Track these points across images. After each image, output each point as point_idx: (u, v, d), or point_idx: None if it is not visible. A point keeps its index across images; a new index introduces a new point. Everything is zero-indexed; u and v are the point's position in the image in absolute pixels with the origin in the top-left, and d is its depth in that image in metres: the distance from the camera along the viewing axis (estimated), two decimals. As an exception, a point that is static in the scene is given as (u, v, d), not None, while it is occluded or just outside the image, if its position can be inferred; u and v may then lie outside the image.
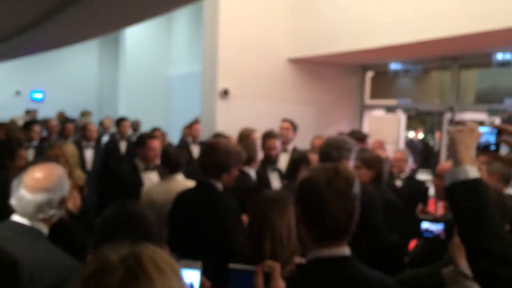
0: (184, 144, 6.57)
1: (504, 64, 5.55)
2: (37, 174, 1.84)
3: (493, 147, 1.46)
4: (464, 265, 1.56)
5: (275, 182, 3.98)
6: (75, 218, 2.94)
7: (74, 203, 3.08)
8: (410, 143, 10.37)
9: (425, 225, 1.83)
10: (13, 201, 1.82)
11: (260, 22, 6.87)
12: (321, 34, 6.53)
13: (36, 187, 1.80)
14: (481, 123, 1.48)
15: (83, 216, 2.99)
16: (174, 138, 9.18)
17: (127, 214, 1.50)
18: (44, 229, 1.85)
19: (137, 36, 12.34)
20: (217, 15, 6.68)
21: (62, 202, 1.90)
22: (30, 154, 5.55)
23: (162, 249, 0.91)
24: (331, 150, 3.02)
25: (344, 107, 7.61)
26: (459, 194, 1.32)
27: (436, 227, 1.79)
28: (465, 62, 6.17)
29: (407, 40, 5.31)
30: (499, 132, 1.44)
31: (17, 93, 14.72)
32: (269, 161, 4.16)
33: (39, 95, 15.12)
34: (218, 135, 5.10)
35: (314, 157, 3.92)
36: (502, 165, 3.22)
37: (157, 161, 3.74)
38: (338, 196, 1.41)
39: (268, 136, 4.21)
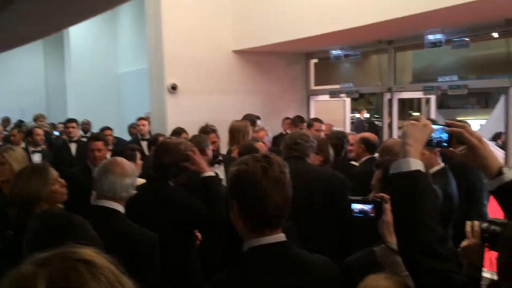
0: (135, 141, 6.60)
1: (435, 44, 5.87)
2: None
3: (445, 144, 1.50)
4: (393, 241, 1.57)
5: (222, 175, 4.06)
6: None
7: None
8: (359, 123, 10.79)
9: (356, 206, 1.77)
10: None
11: (204, 15, 6.94)
12: (263, 25, 6.68)
13: None
14: (434, 121, 1.57)
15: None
16: (127, 135, 9.14)
17: (55, 224, 1.48)
18: None
19: (82, 36, 12.08)
20: (159, 10, 6.70)
21: None
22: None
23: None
24: (293, 146, 3.13)
25: (291, 94, 7.83)
26: (397, 184, 1.35)
27: (368, 207, 1.75)
28: (400, 45, 6.49)
29: (346, 27, 5.56)
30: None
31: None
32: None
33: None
34: (176, 130, 5.15)
35: (261, 146, 4.06)
36: None
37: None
38: (274, 184, 1.42)
39: (204, 131, 4.27)
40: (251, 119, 5.68)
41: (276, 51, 7.39)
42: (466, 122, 1.81)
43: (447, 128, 1.50)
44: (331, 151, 3.59)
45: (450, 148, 1.51)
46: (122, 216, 2.34)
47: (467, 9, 4.76)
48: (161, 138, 4.33)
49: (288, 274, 1.42)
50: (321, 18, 5.82)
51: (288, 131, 6.08)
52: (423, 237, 1.27)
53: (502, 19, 5.09)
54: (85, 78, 12.17)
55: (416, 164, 1.35)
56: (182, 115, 6.54)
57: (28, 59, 14.41)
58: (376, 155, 4.01)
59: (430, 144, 1.51)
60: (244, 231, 1.47)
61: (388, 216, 1.61)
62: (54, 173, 2.46)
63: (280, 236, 1.47)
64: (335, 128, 6.36)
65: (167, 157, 2.74)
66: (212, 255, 2.95)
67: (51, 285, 0.77)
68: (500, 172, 1.41)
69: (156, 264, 2.25)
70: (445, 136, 1.50)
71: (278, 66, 7.71)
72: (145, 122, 6.60)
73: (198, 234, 2.95)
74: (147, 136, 6.47)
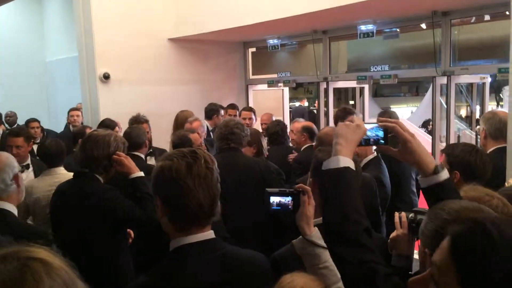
0: (67, 132, 6.30)
1: (368, 34, 6.04)
2: None
3: (382, 141, 1.53)
4: (313, 233, 1.58)
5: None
6: None
7: None
8: (299, 111, 10.93)
9: (274, 198, 1.64)
10: None
11: (138, 2, 6.69)
12: (201, 12, 6.55)
13: None
14: (368, 122, 1.54)
15: None
16: (58, 125, 8.71)
17: None
18: None
19: (6, 24, 11.29)
20: (88, -3, 6.36)
21: None
22: None
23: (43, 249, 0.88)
24: (229, 136, 3.11)
25: (229, 84, 7.77)
26: (326, 180, 1.39)
27: (286, 200, 1.65)
28: (334, 35, 6.62)
29: (281, 16, 5.57)
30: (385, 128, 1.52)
31: None
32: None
33: None
34: (105, 122, 4.97)
35: (195, 137, 3.99)
36: None
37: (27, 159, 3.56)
38: (200, 181, 1.39)
39: (136, 121, 4.17)
40: (215, 108, 5.56)
41: (214, 40, 7.28)
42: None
43: (380, 124, 1.53)
44: (264, 143, 3.60)
45: (387, 145, 1.54)
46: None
47: (397, 0, 4.93)
48: (87, 130, 4.14)
49: (212, 273, 1.39)
50: (257, 7, 5.80)
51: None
52: (347, 228, 1.30)
53: (430, 11, 5.30)
54: (12, 68, 11.40)
55: (345, 161, 1.38)
56: (115, 106, 6.29)
57: None
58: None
59: (368, 143, 1.55)
60: (170, 229, 1.43)
61: (306, 208, 1.60)
62: None
63: (208, 234, 1.43)
64: (275, 118, 6.40)
65: (96, 150, 2.62)
66: (145, 256, 2.87)
67: (7, 282, 0.79)
68: (435, 171, 1.42)
69: None
70: (381, 133, 1.53)
71: (216, 55, 7.62)
72: (78, 113, 6.30)
73: (131, 233, 2.86)
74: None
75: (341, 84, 7.00)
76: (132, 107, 5.69)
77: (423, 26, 5.82)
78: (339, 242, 1.31)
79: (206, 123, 5.54)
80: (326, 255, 1.53)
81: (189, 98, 6.99)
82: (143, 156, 3.82)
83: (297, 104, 12.12)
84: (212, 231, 1.45)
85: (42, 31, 11.73)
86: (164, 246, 1.47)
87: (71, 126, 6.35)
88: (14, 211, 2.21)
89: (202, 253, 1.40)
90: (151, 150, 3.95)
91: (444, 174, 1.43)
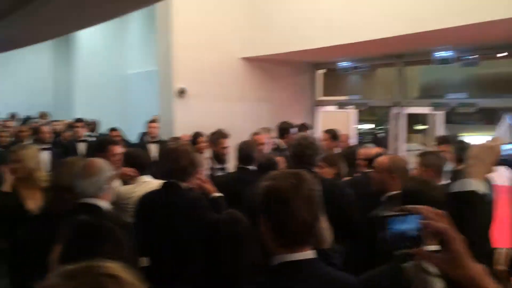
0: (142, 144, 6.63)
1: (445, 61, 5.93)
2: None
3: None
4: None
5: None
6: (37, 219, 3.00)
7: (36, 204, 3.13)
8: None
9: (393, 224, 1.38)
10: None
11: (214, 21, 6.99)
12: (272, 34, 6.72)
13: None
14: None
15: (44, 217, 3.04)
16: (132, 137, 9.18)
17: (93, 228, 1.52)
18: None
19: (90, 37, 12.18)
20: (170, 15, 6.75)
21: None
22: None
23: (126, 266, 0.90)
24: (304, 150, 3.07)
25: (297, 103, 7.87)
26: (453, 202, 1.43)
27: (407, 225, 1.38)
28: (409, 59, 6.54)
29: (354, 40, 5.60)
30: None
31: (-33, 93, 14.19)
32: (219, 160, 4.31)
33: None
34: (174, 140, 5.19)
35: (280, 160, 4.00)
36: (436, 158, 3.44)
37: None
38: (304, 201, 1.45)
39: (220, 135, 4.33)
40: (288, 126, 5.67)
41: (283, 60, 7.43)
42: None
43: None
44: (344, 166, 3.61)
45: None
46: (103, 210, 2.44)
47: (476, 29, 4.81)
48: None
49: None
50: (330, 30, 5.85)
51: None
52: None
53: (511, 40, 5.13)
54: (93, 78, 12.31)
55: (476, 185, 1.42)
56: (190, 119, 6.58)
57: (37, 57, 14.48)
58: None
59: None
60: (273, 246, 1.49)
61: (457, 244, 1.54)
62: None
63: (309, 253, 1.49)
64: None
65: (182, 161, 2.76)
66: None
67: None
68: None
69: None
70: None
71: (285, 75, 7.76)
72: (156, 125, 6.62)
73: None
74: (157, 139, 6.49)
75: (413, 110, 6.88)
76: (204, 122, 5.94)
77: (504, 54, 5.63)
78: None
79: (278, 141, 5.59)
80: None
81: (258, 115, 7.16)
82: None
83: (364, 126, 11.90)
84: (313, 251, 1.50)
85: (124, 46, 12.53)
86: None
87: (149, 137, 6.67)
88: (108, 207, 2.49)
89: (306, 271, 1.46)
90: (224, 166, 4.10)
91: None
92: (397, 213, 1.36)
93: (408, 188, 2.07)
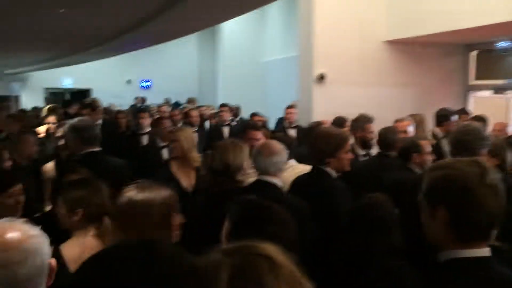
0: (280, 129, 6.77)
1: None
2: None
3: None
4: None
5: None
6: (190, 196, 3.27)
7: (190, 182, 3.40)
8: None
9: None
10: None
11: (357, 4, 6.79)
12: (419, 14, 6.30)
13: None
14: None
15: (197, 194, 3.29)
16: (270, 123, 9.45)
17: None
18: None
19: (232, 27, 12.81)
20: (312, 1, 6.72)
21: None
22: (144, 139, 6.05)
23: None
24: (468, 139, 2.90)
25: (446, 88, 7.28)
26: None
27: None
28: None
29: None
30: None
31: (128, 82, 16.61)
32: (364, 145, 4.22)
33: (147, 84, 16.97)
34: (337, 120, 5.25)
35: (425, 143, 3.77)
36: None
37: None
38: (491, 192, 1.34)
39: (366, 120, 4.22)
40: (447, 113, 5.28)
41: (431, 42, 6.91)
42: None
43: None
44: (510, 156, 3.23)
45: None
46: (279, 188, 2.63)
47: None
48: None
49: None
50: (483, 8, 5.26)
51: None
52: None
53: None
54: (234, 66, 13.01)
55: None
56: (328, 106, 6.50)
57: (184, 48, 16.00)
58: None
59: None
60: (445, 239, 1.38)
61: None
62: None
63: (486, 251, 1.36)
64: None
65: (326, 145, 2.80)
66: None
67: (232, 274, 0.84)
68: None
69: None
70: None
71: (433, 58, 7.23)
72: (294, 111, 6.71)
73: None
74: (294, 124, 6.59)
75: None
76: (344, 108, 5.83)
77: None
78: None
79: (435, 129, 5.23)
80: None
81: (400, 101, 6.79)
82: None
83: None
84: (488, 249, 1.37)
85: (263, 33, 12.94)
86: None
87: (286, 123, 6.79)
88: (281, 184, 2.71)
89: (479, 271, 1.34)
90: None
91: None
92: None
93: None
